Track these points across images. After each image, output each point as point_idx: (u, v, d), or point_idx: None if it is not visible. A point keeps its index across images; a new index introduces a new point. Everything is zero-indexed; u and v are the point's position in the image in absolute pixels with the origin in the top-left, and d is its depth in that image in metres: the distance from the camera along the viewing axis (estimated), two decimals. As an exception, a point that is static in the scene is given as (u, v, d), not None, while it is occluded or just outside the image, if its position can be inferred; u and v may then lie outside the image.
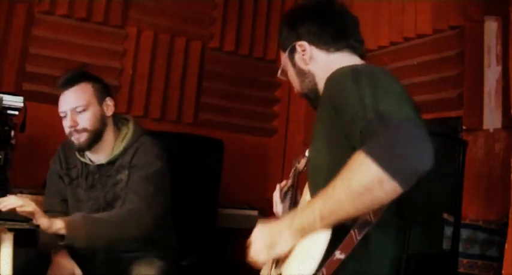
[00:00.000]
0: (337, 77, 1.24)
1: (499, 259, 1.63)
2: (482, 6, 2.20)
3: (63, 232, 1.69)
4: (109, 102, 2.03)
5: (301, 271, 1.11)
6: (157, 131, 2.47)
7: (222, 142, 2.66)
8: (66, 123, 1.95)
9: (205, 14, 3.27)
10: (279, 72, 1.52)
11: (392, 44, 2.60)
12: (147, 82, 3.04)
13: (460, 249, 1.86)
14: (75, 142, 1.96)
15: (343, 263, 1.09)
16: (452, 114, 2.25)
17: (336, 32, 1.41)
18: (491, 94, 2.12)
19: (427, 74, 2.44)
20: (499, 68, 2.11)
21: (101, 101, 2.01)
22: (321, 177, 1.26)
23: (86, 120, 1.95)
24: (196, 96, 3.21)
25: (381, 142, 1.01)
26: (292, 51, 1.45)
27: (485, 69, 2.15)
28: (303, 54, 1.42)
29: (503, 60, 2.07)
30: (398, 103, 1.10)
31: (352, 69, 1.22)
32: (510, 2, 1.79)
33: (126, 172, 1.98)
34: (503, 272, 1.48)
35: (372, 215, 1.09)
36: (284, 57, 1.48)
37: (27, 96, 2.21)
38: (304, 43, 1.42)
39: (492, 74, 2.13)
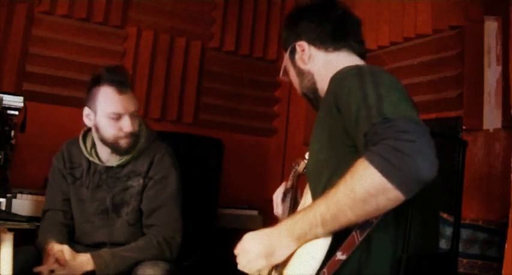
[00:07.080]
0: (341, 76, 1.24)
1: (499, 259, 1.63)
2: (482, 6, 2.20)
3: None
4: None
5: (303, 271, 1.11)
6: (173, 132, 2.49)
7: (222, 142, 2.66)
8: (123, 126, 1.93)
9: (205, 14, 3.27)
10: (281, 72, 1.53)
11: (392, 44, 2.60)
12: (147, 82, 3.04)
13: (460, 249, 1.85)
14: (125, 145, 1.96)
15: (343, 263, 1.09)
16: (452, 114, 2.24)
17: (334, 31, 1.42)
18: (491, 94, 2.12)
19: (427, 74, 2.44)
20: (499, 68, 2.11)
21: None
22: (322, 176, 1.26)
23: (136, 125, 1.98)
24: (196, 96, 3.21)
25: (386, 150, 0.99)
26: (293, 52, 1.46)
27: (485, 69, 2.15)
28: (302, 54, 1.43)
29: (503, 60, 2.08)
30: (402, 104, 1.10)
31: (357, 69, 1.22)
32: (510, 2, 1.79)
33: (141, 181, 1.98)
34: (503, 272, 1.48)
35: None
36: (286, 58, 1.49)
37: (27, 96, 2.20)
38: (303, 43, 1.43)
39: (492, 74, 2.13)
